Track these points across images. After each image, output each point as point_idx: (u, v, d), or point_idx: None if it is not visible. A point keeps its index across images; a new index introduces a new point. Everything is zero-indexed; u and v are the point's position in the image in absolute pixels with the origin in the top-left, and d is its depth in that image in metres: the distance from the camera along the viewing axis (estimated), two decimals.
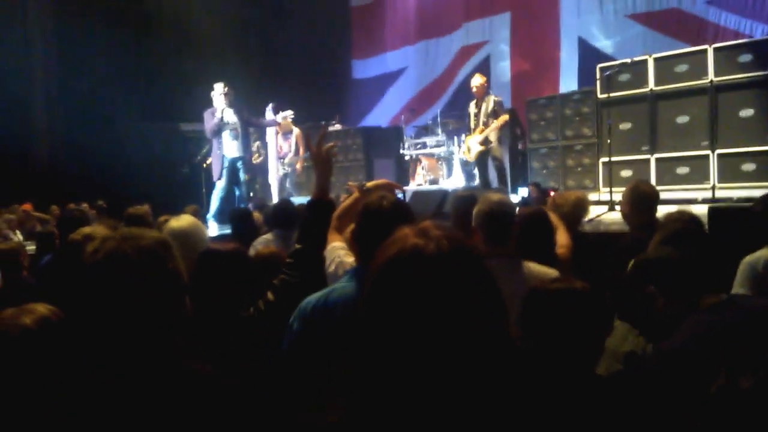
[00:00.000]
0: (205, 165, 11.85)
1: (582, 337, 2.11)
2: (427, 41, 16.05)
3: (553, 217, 4.24)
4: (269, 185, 12.17)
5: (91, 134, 14.31)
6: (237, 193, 10.36)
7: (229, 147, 10.18)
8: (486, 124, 9.76)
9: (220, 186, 10.20)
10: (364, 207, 2.62)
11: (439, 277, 1.21)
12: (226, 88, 10.08)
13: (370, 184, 3.49)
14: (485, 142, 9.77)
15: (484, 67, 14.35)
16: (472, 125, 10.02)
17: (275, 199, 10.89)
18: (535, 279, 3.00)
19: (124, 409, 1.53)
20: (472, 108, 10.06)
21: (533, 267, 3.22)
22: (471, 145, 9.99)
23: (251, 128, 11.32)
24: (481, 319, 1.20)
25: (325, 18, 16.51)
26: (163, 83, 15.22)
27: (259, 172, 12.67)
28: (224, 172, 10.15)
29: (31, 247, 6.37)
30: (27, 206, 11.38)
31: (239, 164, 10.28)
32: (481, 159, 10.03)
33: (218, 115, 10.03)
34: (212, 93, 10.17)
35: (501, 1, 14.33)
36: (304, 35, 15.99)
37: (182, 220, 3.51)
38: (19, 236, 8.40)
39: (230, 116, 10.10)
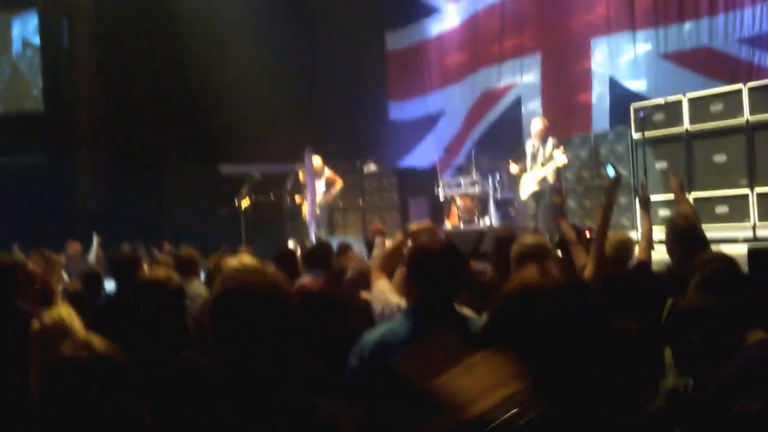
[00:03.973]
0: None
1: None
2: (456, 84, 16.24)
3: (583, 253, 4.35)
4: (306, 226, 12.31)
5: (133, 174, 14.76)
6: None
7: None
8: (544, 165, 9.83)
9: None
10: (416, 249, 2.70)
11: (555, 310, 1.53)
12: None
13: (413, 226, 3.57)
14: (543, 182, 9.84)
15: (515, 107, 14.54)
16: (529, 165, 10.08)
17: (313, 240, 11.05)
18: None
19: None
20: (529, 148, 10.14)
21: None
22: (526, 184, 10.05)
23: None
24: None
25: (363, 61, 16.77)
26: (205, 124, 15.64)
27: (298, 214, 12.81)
28: None
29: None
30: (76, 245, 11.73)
31: None
32: (534, 199, 10.08)
33: None
34: None
35: (530, 43, 14.46)
36: (340, 78, 16.27)
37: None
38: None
39: None
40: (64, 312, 3.13)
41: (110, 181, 16.35)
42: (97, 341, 2.00)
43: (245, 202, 12.22)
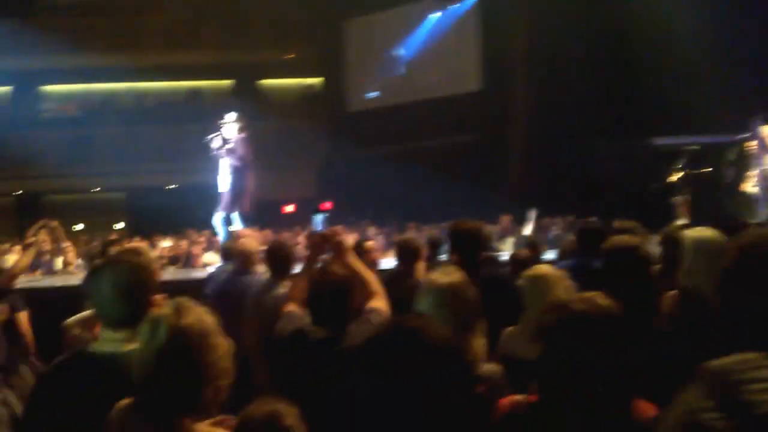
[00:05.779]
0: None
1: None
2: None
3: None
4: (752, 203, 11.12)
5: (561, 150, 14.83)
6: None
7: None
8: None
9: None
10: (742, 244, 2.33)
11: None
12: None
13: None
14: None
15: None
16: None
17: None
18: None
19: None
20: None
21: None
22: None
23: None
24: None
25: None
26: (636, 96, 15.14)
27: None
28: None
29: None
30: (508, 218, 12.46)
31: None
32: None
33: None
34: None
35: None
36: None
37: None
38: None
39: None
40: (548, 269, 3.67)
41: (538, 157, 16.72)
42: (600, 297, 2.08)
43: (679, 177, 11.55)
